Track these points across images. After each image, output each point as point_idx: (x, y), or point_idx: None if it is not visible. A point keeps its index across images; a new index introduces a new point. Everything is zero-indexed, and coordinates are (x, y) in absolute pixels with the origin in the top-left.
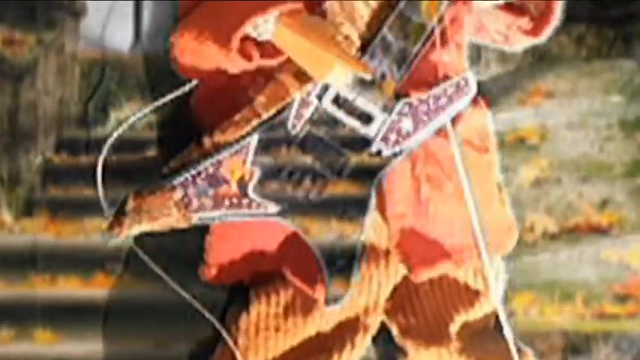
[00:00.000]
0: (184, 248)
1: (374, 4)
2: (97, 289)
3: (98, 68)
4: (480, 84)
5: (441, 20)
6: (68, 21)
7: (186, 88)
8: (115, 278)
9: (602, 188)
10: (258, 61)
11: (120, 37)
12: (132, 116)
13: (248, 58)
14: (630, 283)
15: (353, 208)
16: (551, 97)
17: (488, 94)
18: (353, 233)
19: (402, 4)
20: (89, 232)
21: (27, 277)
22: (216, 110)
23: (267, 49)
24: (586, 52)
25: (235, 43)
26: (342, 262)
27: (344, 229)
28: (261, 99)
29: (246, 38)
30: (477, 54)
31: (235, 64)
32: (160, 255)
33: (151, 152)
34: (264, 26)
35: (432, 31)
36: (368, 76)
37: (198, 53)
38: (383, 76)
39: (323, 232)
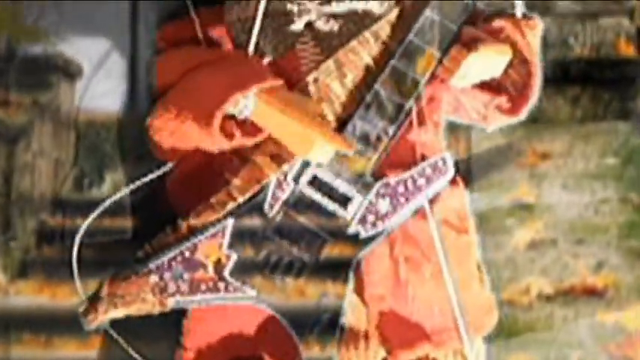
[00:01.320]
0: (163, 330)
1: (350, 85)
2: (93, 350)
3: (93, 129)
4: (475, 146)
5: (418, 99)
6: (64, 83)
7: (162, 170)
8: (111, 340)
9: (598, 250)
10: (239, 140)
11: (115, 98)
12: (127, 178)
13: (229, 136)
14: (625, 344)
15: (331, 291)
16: (546, 158)
17: (483, 156)
18: (331, 315)
19: (377, 85)
20: (85, 294)
21: (22, 339)
22: (192, 193)
23: (247, 127)
24: (581, 113)
25: (217, 121)
26: (321, 344)
27: (322, 311)
28: (236, 182)
29: (225, 117)
30: None
31: (216, 143)
32: (139, 334)
33: (124, 238)
34: (244, 103)
35: (410, 110)
36: (350, 152)
37: (177, 133)
38: (359, 157)
39: (301, 315)
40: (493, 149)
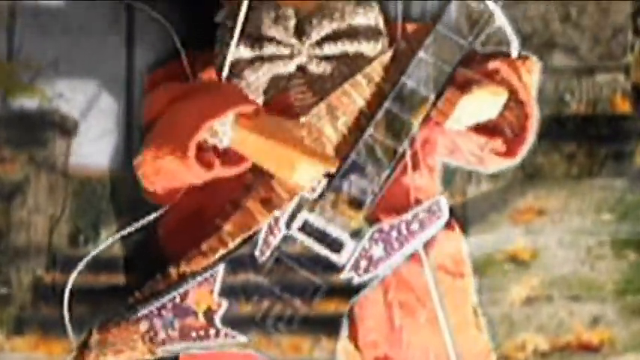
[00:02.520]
0: None
1: (343, 128)
2: None
3: (89, 186)
4: (471, 201)
5: (412, 142)
6: (59, 139)
7: (153, 216)
8: None
9: (593, 307)
10: (219, 170)
11: (111, 154)
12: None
13: (207, 166)
14: None
15: (324, 338)
16: (542, 215)
17: (478, 212)
18: None
19: (370, 128)
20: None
21: None
22: (183, 239)
23: (228, 156)
24: (577, 170)
25: (192, 150)
26: None
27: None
28: (228, 228)
29: (206, 147)
30: (467, 172)
31: (195, 174)
32: None
33: (116, 285)
34: (222, 130)
35: (404, 154)
36: (333, 169)
37: (161, 171)
38: (352, 201)
39: None
40: (487, 201)
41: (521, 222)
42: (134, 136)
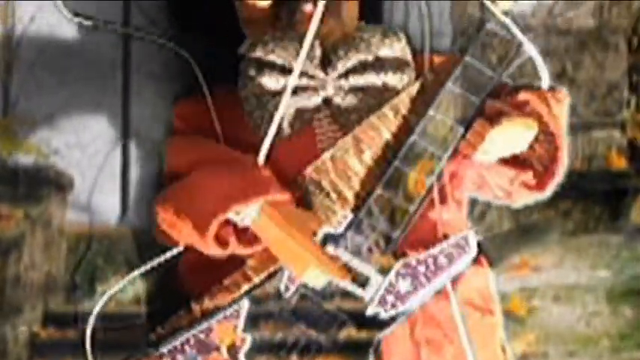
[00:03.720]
0: None
1: (369, 161)
2: None
3: (85, 242)
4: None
5: (440, 176)
6: (55, 195)
7: (171, 253)
8: None
9: None
10: (234, 248)
11: (106, 210)
12: (118, 291)
13: (223, 245)
14: None
15: None
16: (538, 270)
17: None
18: None
19: (397, 161)
20: None
21: None
22: (206, 275)
23: (245, 235)
24: (573, 226)
25: (213, 230)
26: None
27: None
28: (251, 262)
29: (225, 221)
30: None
31: (210, 249)
32: None
33: (139, 322)
34: (246, 211)
35: (431, 188)
36: (344, 283)
37: (175, 228)
38: (378, 236)
39: None
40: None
41: (516, 277)
42: (130, 192)
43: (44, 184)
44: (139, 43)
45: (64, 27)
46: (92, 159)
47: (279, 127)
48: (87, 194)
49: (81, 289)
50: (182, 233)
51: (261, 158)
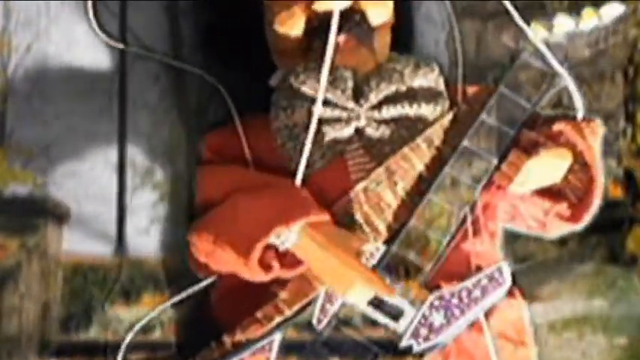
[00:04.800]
0: None
1: (402, 193)
2: None
3: (81, 273)
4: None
5: (473, 207)
6: (51, 225)
7: (205, 283)
8: None
9: None
10: (277, 272)
11: (102, 240)
12: (114, 321)
13: (267, 269)
14: None
15: None
16: (533, 300)
17: None
18: None
19: (430, 193)
20: None
21: None
22: (238, 307)
23: (287, 258)
24: (569, 255)
25: (257, 254)
26: None
27: None
28: (284, 295)
29: (265, 246)
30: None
31: (253, 274)
32: None
33: (169, 353)
34: (288, 234)
35: (465, 219)
36: (389, 297)
37: (213, 256)
38: (412, 268)
39: None
40: None
41: None
42: (126, 222)
43: (40, 214)
44: (135, 74)
45: (60, 57)
46: (88, 189)
47: (311, 159)
48: (83, 224)
49: (76, 319)
50: (222, 261)
51: (298, 180)
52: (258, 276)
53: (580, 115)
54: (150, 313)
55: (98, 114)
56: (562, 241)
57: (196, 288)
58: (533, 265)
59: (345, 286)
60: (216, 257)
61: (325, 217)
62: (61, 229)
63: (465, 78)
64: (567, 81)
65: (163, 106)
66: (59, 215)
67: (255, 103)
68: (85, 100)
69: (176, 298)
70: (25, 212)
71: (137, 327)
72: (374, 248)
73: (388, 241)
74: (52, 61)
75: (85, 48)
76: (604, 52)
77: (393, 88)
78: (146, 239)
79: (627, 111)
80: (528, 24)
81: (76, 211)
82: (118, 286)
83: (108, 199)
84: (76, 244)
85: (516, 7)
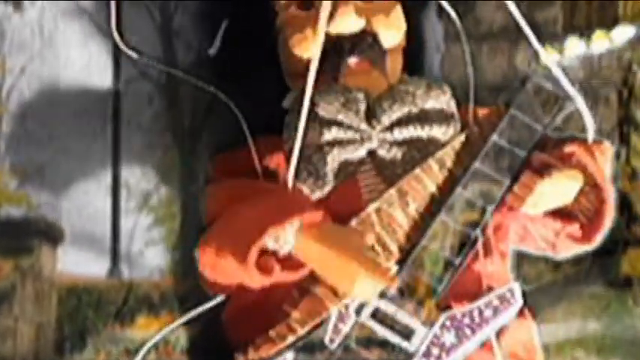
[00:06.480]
0: None
1: (414, 214)
2: None
3: (75, 294)
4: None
5: (484, 228)
6: (45, 246)
7: (214, 302)
8: None
9: None
10: (278, 276)
11: (97, 262)
12: (109, 343)
13: (267, 272)
14: None
15: None
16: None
17: None
18: None
19: (442, 214)
20: None
21: None
22: (249, 326)
23: (288, 261)
24: (563, 278)
25: (252, 257)
26: None
27: None
28: (296, 314)
29: (266, 252)
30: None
31: (254, 279)
32: None
33: None
34: (284, 237)
35: (476, 240)
36: (394, 287)
37: (218, 268)
38: (424, 288)
39: None
40: None
41: None
42: (120, 243)
43: (34, 235)
44: (129, 95)
45: (54, 79)
46: (82, 210)
47: (324, 180)
48: (77, 246)
49: (71, 341)
50: (226, 272)
51: (290, 182)
52: (259, 280)
53: (590, 136)
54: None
55: (92, 135)
56: (556, 265)
57: (206, 307)
58: (528, 289)
59: (349, 281)
60: (220, 269)
61: (321, 214)
62: (55, 251)
63: (459, 100)
64: (579, 104)
65: (157, 128)
66: (53, 237)
67: (267, 125)
68: (79, 122)
69: (186, 317)
70: (20, 234)
71: (145, 348)
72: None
73: (400, 262)
74: (45, 83)
75: (78, 70)
76: (598, 74)
77: (405, 110)
78: (141, 261)
79: (622, 133)
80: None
81: (70, 233)
82: (113, 308)
83: (102, 221)
84: (70, 265)
85: (510, 30)
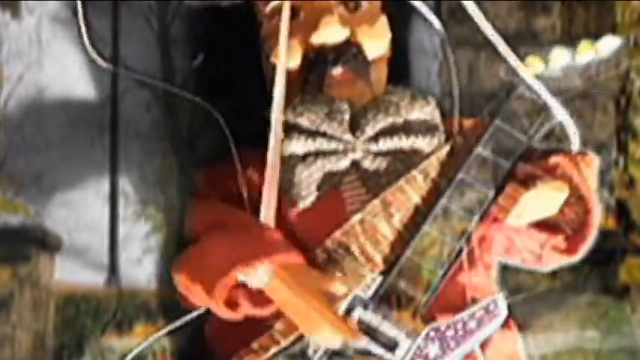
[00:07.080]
0: None
1: (398, 225)
2: None
3: (73, 302)
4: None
5: (469, 240)
6: (43, 254)
7: (196, 313)
8: None
9: None
10: (246, 310)
11: (95, 270)
12: (107, 351)
13: (235, 309)
14: None
15: None
16: (525, 330)
17: None
18: None
19: (426, 225)
20: None
21: None
22: (233, 338)
23: (258, 297)
24: (561, 286)
25: (219, 294)
26: None
27: None
28: (279, 326)
29: (237, 285)
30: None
31: (223, 314)
32: None
33: None
34: (255, 274)
35: (460, 251)
36: (356, 343)
37: (190, 291)
38: (407, 299)
39: None
40: None
41: None
42: (118, 251)
43: (32, 243)
44: (127, 103)
45: (52, 87)
46: (80, 218)
47: (307, 191)
48: (75, 254)
49: (69, 349)
50: (197, 297)
51: (264, 218)
52: (226, 314)
53: (575, 148)
54: (142, 343)
55: (90, 143)
56: (554, 273)
57: (188, 318)
58: (525, 297)
59: (311, 330)
60: (193, 292)
61: (296, 257)
62: (53, 259)
63: (460, 107)
64: (562, 115)
65: (155, 136)
66: (51, 245)
67: (251, 136)
68: (77, 130)
69: (169, 328)
70: (17, 242)
71: (130, 357)
72: (370, 279)
73: (384, 273)
74: (43, 91)
75: (76, 78)
76: (596, 83)
77: (389, 121)
78: (139, 269)
79: (619, 141)
80: (520, 54)
81: (68, 241)
82: (111, 316)
83: (100, 229)
84: (68, 273)
85: (508, 37)
